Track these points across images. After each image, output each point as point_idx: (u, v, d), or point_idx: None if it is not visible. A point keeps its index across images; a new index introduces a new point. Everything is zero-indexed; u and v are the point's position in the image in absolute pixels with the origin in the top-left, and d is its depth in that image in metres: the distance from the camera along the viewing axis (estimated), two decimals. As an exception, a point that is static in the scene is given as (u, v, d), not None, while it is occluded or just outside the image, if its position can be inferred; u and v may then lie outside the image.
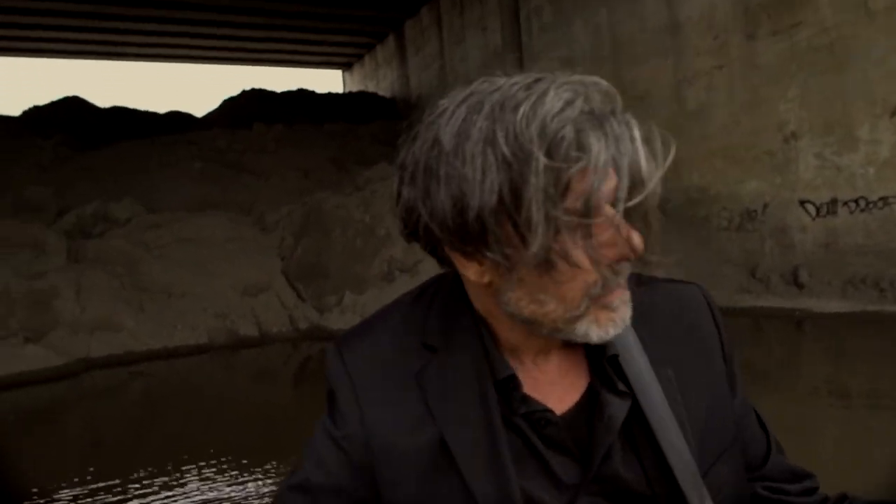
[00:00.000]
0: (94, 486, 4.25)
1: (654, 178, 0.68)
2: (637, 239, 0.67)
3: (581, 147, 0.65)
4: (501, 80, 0.73)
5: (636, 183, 0.67)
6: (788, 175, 8.62)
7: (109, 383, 7.57)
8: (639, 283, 0.79)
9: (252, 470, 4.33)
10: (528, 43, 13.28)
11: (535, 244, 0.64)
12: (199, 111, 18.63)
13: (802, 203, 8.50)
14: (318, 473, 0.78)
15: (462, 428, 0.74)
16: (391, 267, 9.40)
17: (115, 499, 3.99)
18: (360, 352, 0.80)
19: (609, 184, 0.66)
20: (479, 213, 0.66)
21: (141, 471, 4.39)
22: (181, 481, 4.18)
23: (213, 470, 4.34)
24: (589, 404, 0.76)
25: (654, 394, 0.75)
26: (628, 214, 0.67)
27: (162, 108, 18.19)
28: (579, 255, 0.66)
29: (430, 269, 7.89)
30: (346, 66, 25.37)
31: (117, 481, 4.27)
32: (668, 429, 0.74)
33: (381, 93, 21.70)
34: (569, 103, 0.66)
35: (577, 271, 0.67)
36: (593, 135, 0.66)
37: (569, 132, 0.65)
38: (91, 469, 4.53)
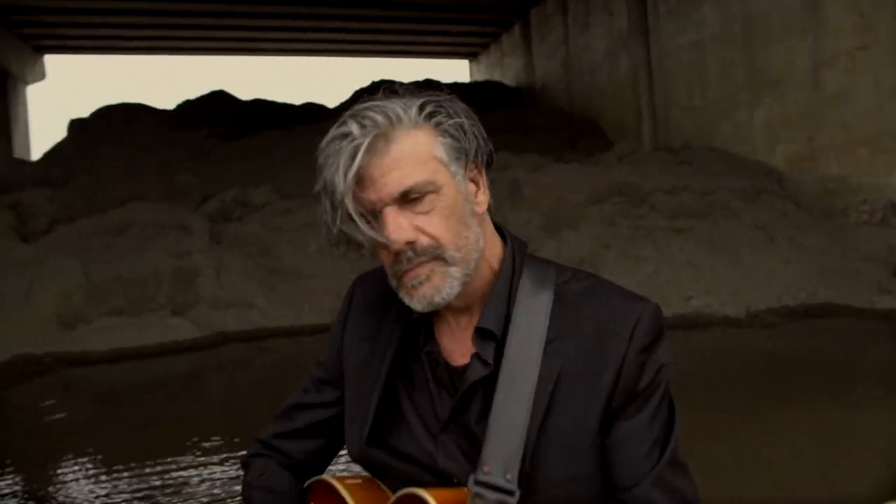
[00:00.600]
0: (227, 444, 4.69)
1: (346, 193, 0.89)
2: (389, 234, 0.87)
3: (324, 174, 0.92)
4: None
5: (365, 188, 0.90)
6: (941, 165, 7.89)
7: (242, 356, 8.21)
8: (585, 289, 0.95)
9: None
10: (654, 27, 12.87)
11: (336, 228, 0.91)
12: (332, 102, 19.42)
13: (957, 196, 7.76)
14: (317, 368, 1.14)
15: (378, 345, 1.01)
16: (507, 255, 9.52)
17: (236, 459, 4.39)
18: (364, 288, 1.10)
19: (362, 196, 0.90)
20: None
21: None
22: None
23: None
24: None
25: (526, 373, 0.88)
26: (399, 212, 0.88)
27: (298, 100, 19.13)
28: (374, 240, 0.89)
29: (546, 256, 7.97)
30: (472, 56, 25.60)
31: (242, 450, 4.68)
32: (512, 403, 0.87)
33: (506, 82, 21.74)
34: (332, 138, 0.92)
35: (379, 253, 0.92)
36: (329, 166, 0.91)
37: (321, 161, 0.93)
38: (225, 430, 4.99)
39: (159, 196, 11.50)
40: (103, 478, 4.25)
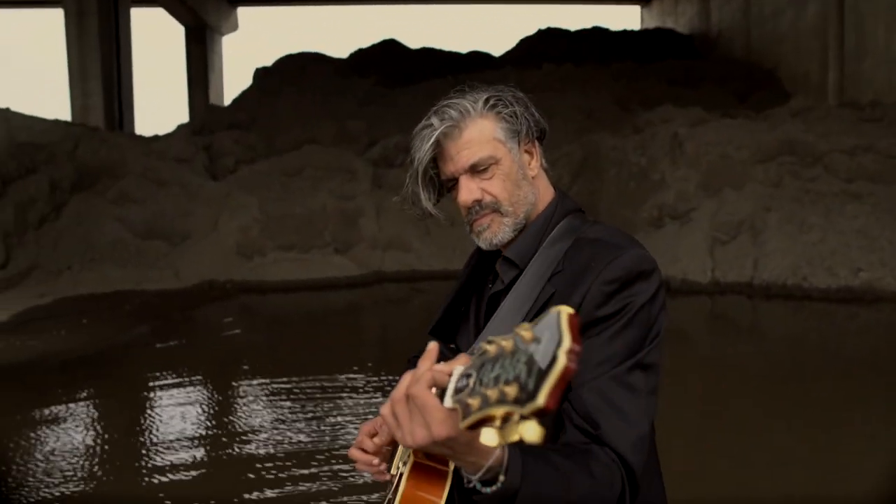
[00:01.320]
0: (373, 371, 5.15)
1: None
2: (461, 195, 1.17)
3: (416, 154, 1.19)
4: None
5: (445, 163, 1.19)
6: None
7: (397, 295, 8.77)
8: (593, 238, 1.16)
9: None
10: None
11: (409, 191, 1.23)
12: (498, 51, 19.39)
13: None
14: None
15: (466, 270, 1.34)
16: (662, 213, 9.23)
17: (389, 388, 4.82)
18: None
19: (444, 169, 1.20)
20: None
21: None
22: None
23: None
24: None
25: (527, 295, 1.14)
26: (471, 178, 1.17)
27: (464, 49, 19.30)
28: (426, 207, 1.23)
29: (703, 217, 7.55)
30: (644, 2, 24.40)
31: (396, 378, 5.12)
32: (511, 311, 1.14)
33: (678, 29, 20.56)
34: (420, 128, 1.19)
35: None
36: (416, 149, 1.18)
37: (414, 143, 1.19)
38: (374, 360, 5.48)
39: (330, 140, 12.29)
40: (266, 387, 4.88)
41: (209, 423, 4.30)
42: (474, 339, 1.22)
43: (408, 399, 0.82)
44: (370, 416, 4.30)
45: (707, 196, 8.85)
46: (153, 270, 8.75)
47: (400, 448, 1.17)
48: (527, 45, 19.28)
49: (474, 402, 0.68)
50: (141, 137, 13.45)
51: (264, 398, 4.78)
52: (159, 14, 21.37)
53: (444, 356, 1.13)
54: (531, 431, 0.64)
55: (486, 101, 1.18)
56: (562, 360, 0.61)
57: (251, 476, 3.42)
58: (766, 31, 15.16)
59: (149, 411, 4.55)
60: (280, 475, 3.43)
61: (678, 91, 13.55)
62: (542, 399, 0.61)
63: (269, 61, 17.26)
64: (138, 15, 18.54)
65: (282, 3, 24.32)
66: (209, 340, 6.74)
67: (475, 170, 1.17)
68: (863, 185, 8.21)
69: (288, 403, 4.59)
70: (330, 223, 9.68)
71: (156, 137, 12.99)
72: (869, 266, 7.22)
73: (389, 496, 1.11)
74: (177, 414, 4.39)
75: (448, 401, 0.77)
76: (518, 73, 15.19)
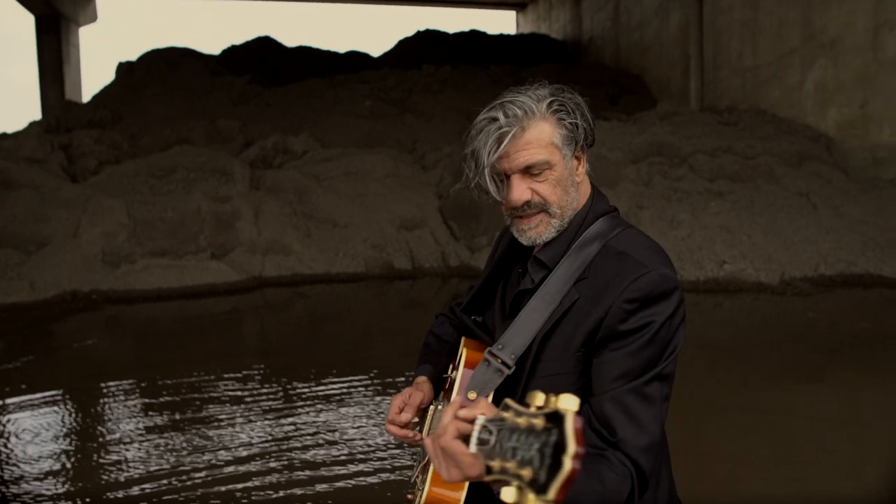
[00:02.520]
0: (256, 384, 4.88)
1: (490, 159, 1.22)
2: (510, 196, 1.23)
3: (473, 144, 1.23)
4: (507, 91, 1.27)
5: (500, 159, 1.22)
6: None
7: (278, 300, 8.43)
8: (619, 249, 1.23)
9: (398, 385, 4.76)
10: (707, -19, 12.43)
11: (474, 182, 1.26)
12: (377, 51, 19.26)
13: None
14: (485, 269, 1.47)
15: (497, 256, 1.43)
16: (542, 212, 9.48)
17: (277, 399, 4.58)
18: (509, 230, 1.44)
19: (482, 164, 1.22)
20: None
21: (295, 380, 4.96)
22: (328, 392, 4.69)
23: (364, 381, 4.81)
24: None
25: (553, 295, 1.22)
26: (522, 178, 1.23)
27: (342, 48, 19.04)
28: (495, 198, 1.27)
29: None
30: (520, 7, 25.08)
31: (278, 388, 4.87)
32: (537, 311, 1.22)
33: (553, 35, 21.29)
34: (483, 119, 1.23)
35: (502, 199, 1.27)
36: (479, 140, 1.22)
37: (473, 133, 1.23)
38: (258, 368, 5.20)
39: (203, 140, 11.71)
40: (135, 399, 4.50)
41: (70, 441, 3.91)
42: (499, 325, 1.32)
43: (442, 449, 0.95)
44: (250, 424, 4.09)
45: (584, 196, 9.17)
46: (3, 282, 7.94)
47: (429, 418, 1.37)
48: (406, 46, 19.28)
49: (495, 465, 0.82)
50: (-14, 135, 12.24)
51: (133, 410, 4.42)
52: (5, 1, 19.61)
53: (467, 330, 1.41)
54: (512, 495, 0.77)
55: (550, 104, 1.23)
56: (567, 466, 0.72)
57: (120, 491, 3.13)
58: (633, 39, 15.97)
59: (5, 435, 4.08)
60: (153, 486, 3.16)
61: (553, 94, 13.99)
62: (552, 494, 0.73)
63: (133, 55, 16.24)
64: (-19, 1, 16.88)
65: (146, -4, 22.92)
66: (70, 355, 6.17)
67: (528, 171, 1.22)
68: (723, 183, 8.78)
69: (160, 415, 4.27)
70: (205, 227, 9.18)
71: (3, 136, 11.85)
72: (731, 259, 7.71)
73: (418, 476, 1.32)
74: (36, 433, 3.98)
75: (473, 448, 0.90)
76: (398, 75, 15.14)
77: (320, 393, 4.63)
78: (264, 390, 4.73)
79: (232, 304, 8.11)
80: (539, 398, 0.80)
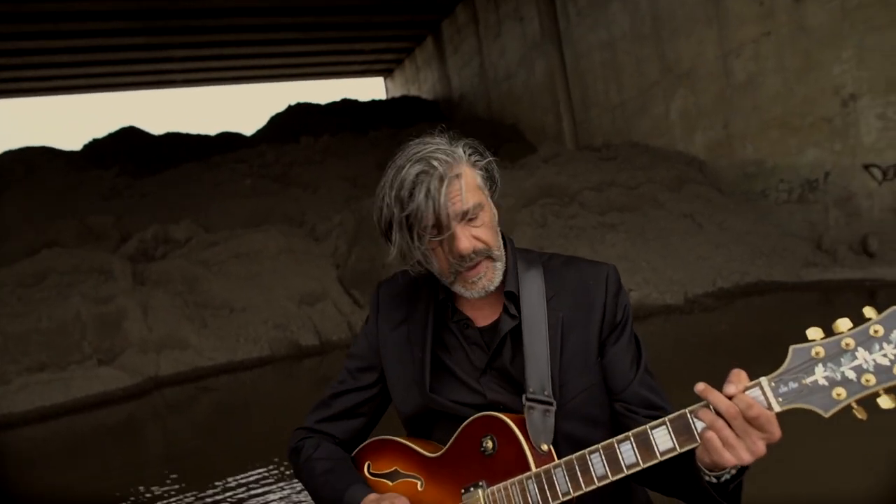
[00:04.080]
0: (170, 494, 4.37)
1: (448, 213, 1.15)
2: (461, 244, 1.16)
3: (410, 203, 1.14)
4: (410, 147, 1.22)
5: (440, 218, 1.15)
6: (849, 140, 8.25)
7: (179, 399, 7.79)
8: (563, 262, 1.30)
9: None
10: (566, 30, 13.11)
11: (395, 249, 1.19)
12: (249, 130, 18.97)
13: (867, 167, 8.12)
14: (351, 361, 1.38)
15: (414, 325, 1.30)
16: (444, 266, 9.41)
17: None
18: (387, 288, 1.38)
19: (429, 220, 1.15)
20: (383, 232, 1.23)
21: (208, 488, 4.49)
22: (252, 490, 4.26)
23: (278, 475, 4.40)
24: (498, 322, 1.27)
25: (539, 322, 1.22)
26: (464, 227, 1.17)
27: (213, 130, 18.61)
28: (430, 256, 1.20)
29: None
30: (387, 73, 25.57)
31: (192, 492, 4.38)
32: (536, 342, 1.21)
33: (423, 95, 21.77)
34: (413, 174, 1.15)
35: (437, 261, 1.20)
36: (418, 193, 1.14)
37: (405, 193, 1.15)
38: (168, 478, 4.66)
39: (73, 241, 10.90)
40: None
41: None
42: (479, 384, 1.25)
43: (748, 422, 0.95)
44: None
45: (484, 244, 9.18)
46: None
47: None
48: (279, 121, 19.11)
49: (839, 392, 0.89)
50: None
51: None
52: None
53: (429, 417, 1.28)
54: (890, 401, 0.87)
55: (464, 149, 1.22)
56: None
57: None
58: (502, 90, 16.54)
59: None
60: None
61: (435, 151, 14.15)
62: None
63: (-17, 161, 15.10)
64: None
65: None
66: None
67: (465, 217, 1.17)
68: (614, 215, 9.06)
69: None
70: (87, 332, 8.42)
71: None
72: (636, 286, 7.88)
73: None
74: None
75: (777, 406, 0.94)
76: (276, 149, 14.89)
77: (240, 495, 4.19)
78: (185, 496, 4.23)
79: (129, 411, 7.40)
80: (842, 323, 0.90)
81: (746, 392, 0.96)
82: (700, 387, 1.00)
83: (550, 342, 1.21)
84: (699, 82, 9.98)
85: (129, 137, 17.51)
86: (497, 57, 16.48)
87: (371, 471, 1.27)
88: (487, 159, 1.25)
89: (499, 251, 1.23)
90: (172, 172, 14.35)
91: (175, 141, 17.87)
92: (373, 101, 20.77)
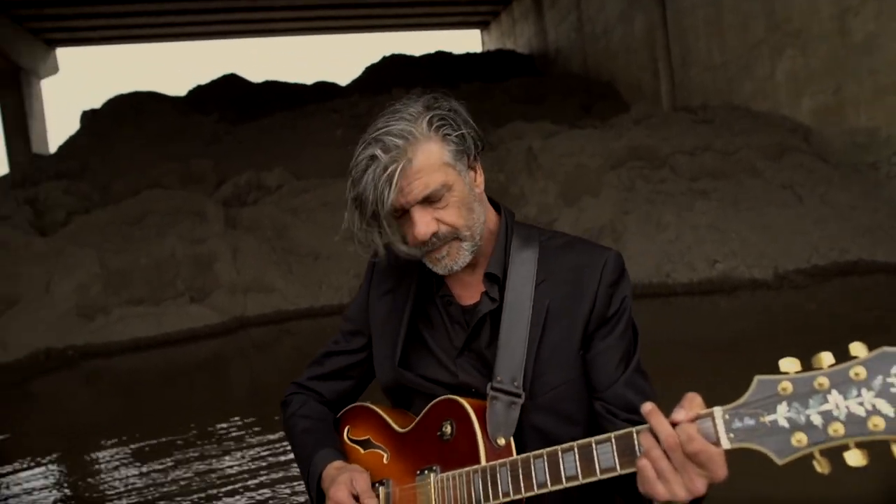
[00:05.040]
0: (249, 432, 4.62)
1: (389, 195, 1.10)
2: (417, 230, 1.13)
3: (359, 186, 1.12)
4: (379, 117, 1.16)
5: (383, 206, 1.10)
6: (978, 110, 7.52)
7: (263, 340, 8.16)
8: (562, 244, 1.22)
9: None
10: (669, -16, 12.45)
11: (344, 225, 1.18)
12: (344, 80, 19.19)
13: None
14: (345, 323, 1.39)
15: (399, 296, 1.28)
16: (525, 226, 9.30)
17: (272, 447, 4.32)
18: (385, 260, 1.30)
19: (369, 208, 1.12)
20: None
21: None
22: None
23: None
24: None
25: (522, 307, 1.15)
26: (423, 209, 1.13)
27: (310, 80, 18.94)
28: (396, 238, 1.16)
29: (565, 226, 7.61)
30: (483, 25, 25.16)
31: (271, 436, 4.61)
32: (515, 329, 1.14)
33: (518, 50, 21.34)
34: (363, 159, 1.11)
35: (408, 235, 1.16)
36: (364, 184, 1.10)
37: (357, 175, 1.12)
38: (245, 415, 4.93)
39: (174, 183, 11.45)
40: (123, 466, 4.22)
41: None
42: (454, 364, 1.21)
43: (688, 456, 0.85)
44: (250, 471, 3.84)
45: (566, 205, 9.01)
46: (-27, 345, 7.60)
47: (431, 498, 1.13)
48: (373, 72, 19.22)
49: (799, 438, 0.78)
50: (-51, 196, 11.90)
51: (128, 464, 4.15)
52: (-37, 60, 19.32)
53: (406, 389, 1.26)
54: (859, 458, 0.74)
55: (430, 121, 1.14)
56: None
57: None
58: (599, 46, 15.98)
59: None
60: None
61: (525, 108, 13.90)
62: None
63: (97, 103, 16.01)
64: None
65: (106, 42, 22.76)
66: (51, 415, 5.87)
67: (427, 200, 1.13)
68: (706, 182, 8.67)
69: (156, 466, 4.01)
70: (182, 271, 8.90)
71: (-32, 195, 11.53)
72: (723, 257, 7.56)
73: None
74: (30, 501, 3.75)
75: (727, 443, 0.85)
76: (368, 100, 15.00)
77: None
78: (255, 439, 4.46)
79: (216, 347, 7.83)
80: (822, 358, 0.79)
81: (697, 421, 0.87)
82: (647, 407, 0.91)
83: (531, 330, 1.15)
84: (810, 42, 9.28)
85: (230, 84, 18.07)
86: (595, 11, 15.88)
87: (349, 435, 1.29)
88: (460, 131, 1.16)
89: (469, 231, 1.17)
90: (269, 120, 14.75)
91: (273, 89, 18.31)
92: (467, 54, 20.53)
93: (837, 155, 9.01)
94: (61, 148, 14.80)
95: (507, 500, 1.03)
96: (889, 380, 0.74)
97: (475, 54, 21.13)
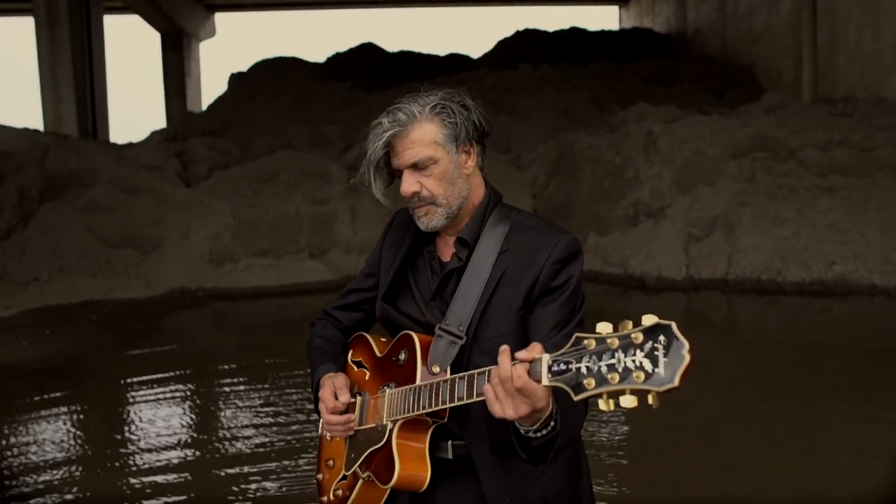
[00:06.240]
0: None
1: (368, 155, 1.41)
2: (402, 187, 1.40)
3: (368, 143, 1.41)
4: (404, 97, 1.43)
5: (393, 157, 1.41)
6: None
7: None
8: (530, 225, 1.45)
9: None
10: (822, -35, 11.64)
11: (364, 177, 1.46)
12: (477, 53, 19.34)
13: None
14: (365, 265, 1.66)
15: (401, 248, 1.54)
16: (637, 210, 9.19)
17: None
18: (400, 215, 1.60)
19: (370, 161, 1.41)
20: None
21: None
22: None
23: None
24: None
25: (483, 269, 1.41)
26: (412, 173, 1.40)
27: (443, 51, 19.25)
28: (379, 187, 1.46)
29: (677, 213, 7.48)
30: (622, 2, 24.48)
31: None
32: (472, 285, 1.40)
33: (656, 29, 20.63)
34: (374, 125, 1.41)
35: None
36: (369, 142, 1.40)
37: (371, 134, 1.41)
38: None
39: (305, 145, 12.17)
40: (245, 389, 4.83)
41: (190, 425, 4.26)
42: (425, 307, 1.47)
43: (517, 389, 1.11)
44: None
45: (681, 192, 8.82)
46: (122, 279, 8.59)
47: (357, 407, 1.48)
48: (505, 46, 19.25)
49: (589, 382, 1.00)
50: (112, 145, 13.28)
51: (244, 400, 4.72)
52: (135, 21, 21.20)
53: (390, 322, 1.54)
54: (631, 401, 0.95)
55: (433, 107, 1.40)
56: (688, 357, 0.92)
57: (238, 476, 3.42)
58: (741, 29, 15.21)
59: (127, 415, 4.51)
60: (266, 475, 3.42)
61: (654, 90, 13.55)
62: (678, 381, 0.92)
63: (245, 67, 17.14)
64: (114, 22, 18.36)
65: (259, 8, 24.20)
66: (181, 346, 6.63)
67: (416, 167, 1.40)
68: (835, 179, 8.21)
69: (269, 404, 4.55)
70: (304, 228, 9.56)
71: (129, 145, 12.82)
72: (842, 259, 7.20)
73: (374, 448, 1.41)
74: (156, 417, 4.39)
75: (546, 381, 1.09)
76: (495, 75, 15.15)
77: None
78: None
79: (327, 301, 8.39)
80: (626, 324, 0.99)
81: (533, 363, 1.12)
82: (501, 349, 1.17)
83: (485, 287, 1.39)
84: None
85: (366, 53, 18.72)
86: (741, -9, 15.10)
87: (351, 357, 1.60)
88: (455, 119, 1.40)
89: (445, 200, 1.42)
90: (398, 89, 15.11)
91: (407, 59, 18.79)
92: (601, 32, 20.10)
93: None
94: (210, 107, 16.03)
95: (426, 410, 1.32)
96: (655, 345, 0.94)
97: (610, 32, 20.65)
